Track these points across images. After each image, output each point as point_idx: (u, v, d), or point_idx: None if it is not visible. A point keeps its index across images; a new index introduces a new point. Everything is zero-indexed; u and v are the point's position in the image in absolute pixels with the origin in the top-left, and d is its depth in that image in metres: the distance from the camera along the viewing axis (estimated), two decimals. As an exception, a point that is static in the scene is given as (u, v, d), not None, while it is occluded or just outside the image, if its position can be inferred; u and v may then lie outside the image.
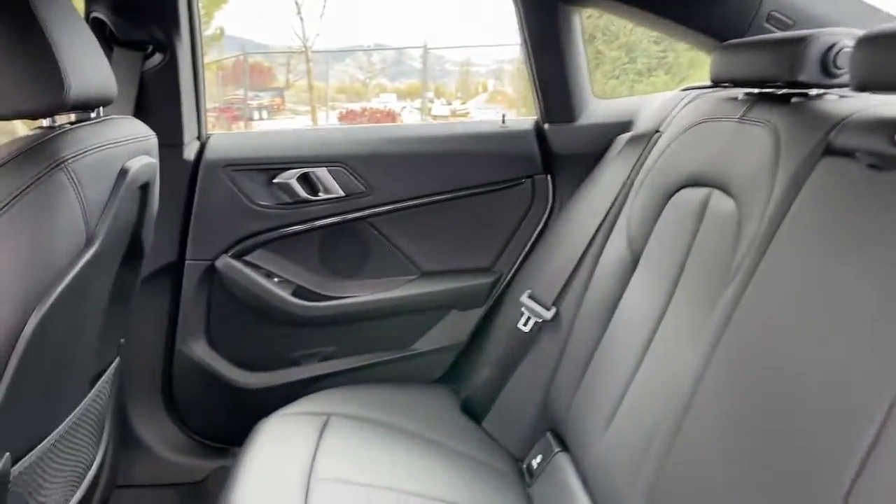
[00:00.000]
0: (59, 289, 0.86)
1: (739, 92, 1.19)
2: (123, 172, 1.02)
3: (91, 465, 1.21)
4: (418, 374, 1.65)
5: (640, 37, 5.67)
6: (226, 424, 1.64)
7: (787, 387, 0.75)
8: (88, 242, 0.93)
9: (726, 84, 1.26)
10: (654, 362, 1.09)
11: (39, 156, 0.86)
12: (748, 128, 1.07)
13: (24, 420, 0.92)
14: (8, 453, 0.88)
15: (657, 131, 1.38)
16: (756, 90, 1.15)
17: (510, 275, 1.63)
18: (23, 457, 0.93)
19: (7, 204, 0.81)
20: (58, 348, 0.95)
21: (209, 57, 6.69)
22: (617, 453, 1.08)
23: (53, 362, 0.95)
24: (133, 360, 1.52)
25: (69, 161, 0.88)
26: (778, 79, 1.04)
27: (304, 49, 7.70)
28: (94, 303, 1.06)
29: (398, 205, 1.60)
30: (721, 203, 1.07)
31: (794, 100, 1.05)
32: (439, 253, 1.64)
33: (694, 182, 1.16)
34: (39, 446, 0.97)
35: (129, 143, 1.06)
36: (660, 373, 1.06)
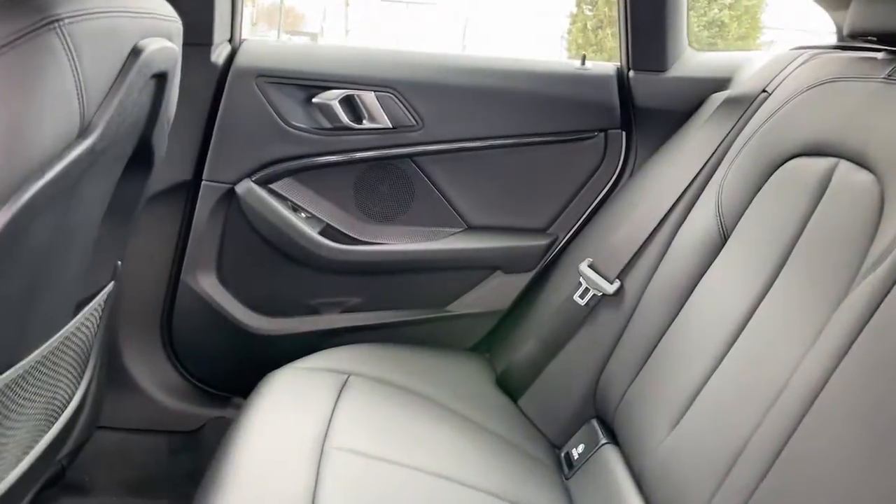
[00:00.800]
0: (40, 184, 0.70)
1: (878, 53, 1.04)
2: (136, 52, 0.84)
3: (69, 403, 1.06)
4: (451, 338, 1.50)
5: (692, 21, 5.64)
6: (229, 371, 1.51)
7: None
8: (83, 132, 0.76)
9: (862, 42, 1.09)
10: (746, 358, 0.95)
11: (28, 8, 0.68)
12: None
13: None
14: None
15: (764, 91, 1.23)
16: None
17: (566, 239, 1.47)
18: None
19: None
20: (33, 259, 0.79)
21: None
22: (688, 458, 0.94)
23: (26, 276, 0.79)
24: (130, 288, 1.38)
25: (65, 21, 0.70)
26: None
27: (341, -7, 7.61)
28: (85, 211, 0.90)
29: (450, 145, 1.44)
30: (853, 176, 0.93)
31: None
32: (490, 206, 1.49)
33: (813, 151, 1.02)
34: (2, 375, 0.81)
35: (146, 17, 0.88)
36: (755, 371, 0.91)
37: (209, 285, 1.45)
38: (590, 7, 7.02)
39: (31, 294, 0.83)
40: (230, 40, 1.46)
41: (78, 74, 0.72)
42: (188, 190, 1.43)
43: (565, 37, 7.10)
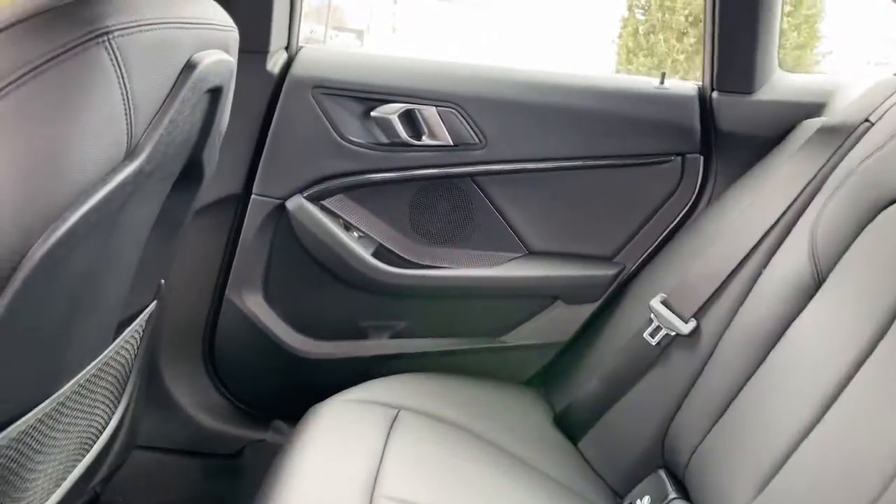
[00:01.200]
0: (82, 211, 0.64)
1: None
2: (190, 66, 0.77)
3: (105, 429, 1.00)
4: (506, 371, 1.42)
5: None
6: (271, 393, 1.45)
7: None
8: (131, 154, 0.70)
9: None
10: (848, 424, 0.85)
11: (74, 19, 0.62)
12: None
13: (17, 377, 0.71)
14: None
15: (866, 121, 1.13)
16: None
17: (633, 269, 1.39)
18: (12, 423, 0.71)
19: (18, 78, 0.58)
20: (72, 288, 0.73)
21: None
22: None
23: (65, 305, 0.73)
24: (172, 303, 1.32)
25: (115, 33, 0.63)
26: None
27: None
28: (130, 234, 0.84)
29: (515, 165, 1.36)
30: None
31: None
32: (553, 231, 1.40)
33: None
34: (35, 409, 0.75)
35: (201, 28, 0.81)
36: (861, 441, 0.82)
37: (254, 304, 1.40)
38: (642, 11, 6.90)
39: (69, 322, 0.77)
40: (287, 47, 1.40)
41: (127, 92, 0.66)
42: (237, 204, 1.37)
43: (616, 41, 7.00)
